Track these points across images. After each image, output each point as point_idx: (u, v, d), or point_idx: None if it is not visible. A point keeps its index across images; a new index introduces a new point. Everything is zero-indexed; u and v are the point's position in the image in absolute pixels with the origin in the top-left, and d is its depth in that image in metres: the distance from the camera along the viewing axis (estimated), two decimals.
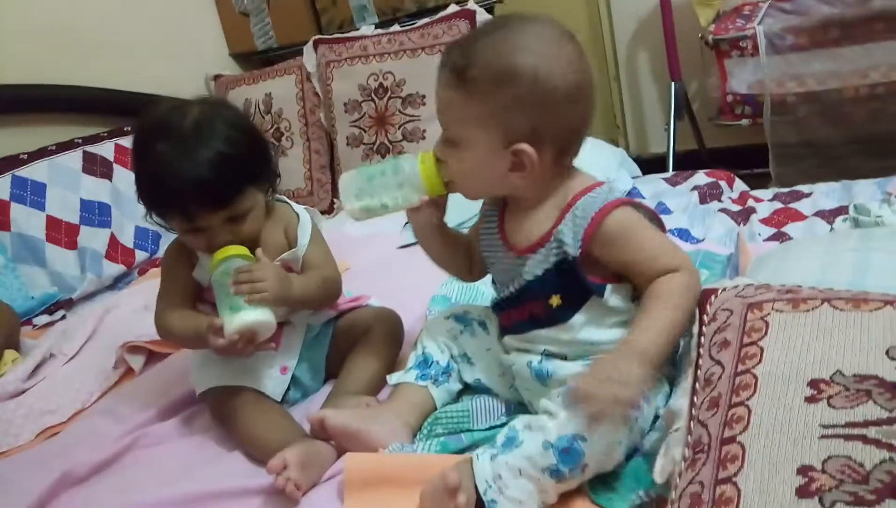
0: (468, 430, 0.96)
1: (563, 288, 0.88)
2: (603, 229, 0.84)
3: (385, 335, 1.15)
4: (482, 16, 2.01)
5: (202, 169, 0.99)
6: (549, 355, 0.91)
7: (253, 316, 0.99)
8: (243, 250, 1.04)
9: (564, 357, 0.90)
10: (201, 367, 1.14)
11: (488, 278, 1.33)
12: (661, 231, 0.90)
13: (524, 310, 0.92)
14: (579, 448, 0.75)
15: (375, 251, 1.70)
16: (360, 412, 0.97)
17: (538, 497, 0.78)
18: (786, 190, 1.58)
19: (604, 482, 0.81)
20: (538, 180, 0.87)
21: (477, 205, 1.02)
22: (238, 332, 0.99)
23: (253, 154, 1.07)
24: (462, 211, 1.09)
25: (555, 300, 0.88)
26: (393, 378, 1.04)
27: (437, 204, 0.96)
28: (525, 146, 0.84)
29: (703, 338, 0.77)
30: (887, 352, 0.62)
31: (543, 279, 0.88)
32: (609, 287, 0.87)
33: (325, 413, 0.95)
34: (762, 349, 0.68)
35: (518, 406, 0.97)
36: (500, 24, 0.88)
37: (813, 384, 0.62)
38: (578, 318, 0.88)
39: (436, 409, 1.00)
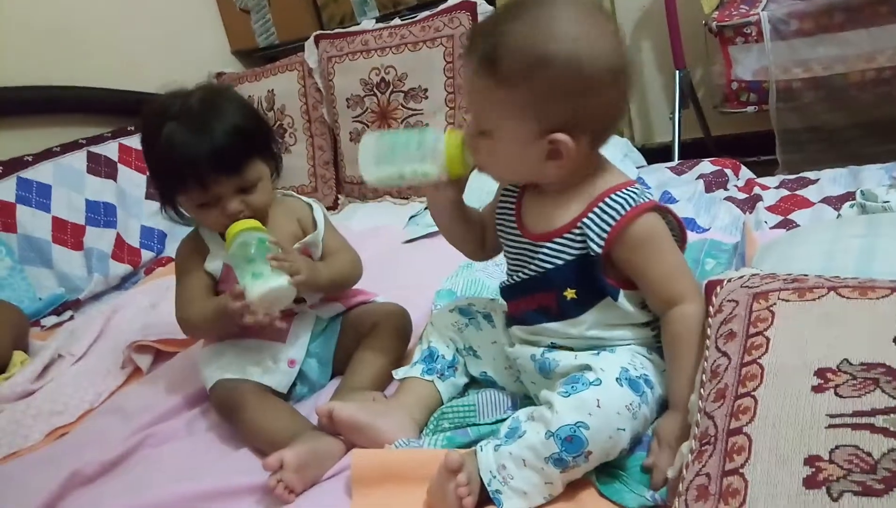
0: (474, 424, 0.95)
1: (580, 283, 0.87)
2: (630, 232, 0.83)
3: (392, 331, 1.15)
4: (483, 7, 2.00)
5: (216, 136, 1.05)
6: (554, 346, 0.91)
7: (276, 281, 1.02)
8: (256, 223, 1.08)
9: (570, 349, 0.90)
10: (209, 362, 1.15)
11: (493, 272, 1.35)
12: (680, 251, 0.88)
13: (534, 300, 0.92)
14: (582, 436, 0.75)
15: (380, 246, 1.70)
16: (368, 405, 0.97)
17: (544, 488, 0.77)
18: (792, 177, 1.57)
19: (611, 473, 0.81)
20: (573, 169, 0.85)
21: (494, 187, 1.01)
22: (261, 297, 1.01)
23: (259, 128, 1.13)
24: (481, 196, 1.08)
25: (569, 294, 0.88)
26: (399, 373, 1.04)
27: (457, 183, 0.94)
28: (562, 136, 0.81)
29: (709, 329, 0.76)
30: (894, 339, 0.62)
31: (561, 270, 0.87)
32: (622, 293, 0.86)
33: (332, 405, 0.94)
34: (768, 340, 0.67)
35: (524, 399, 0.97)
36: (529, 5, 0.82)
37: (820, 373, 0.62)
38: (589, 316, 0.88)
39: (442, 403, 1.00)
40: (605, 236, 0.83)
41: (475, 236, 1.02)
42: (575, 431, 0.75)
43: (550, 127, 0.81)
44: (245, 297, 1.02)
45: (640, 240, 0.83)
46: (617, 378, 0.79)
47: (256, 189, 1.10)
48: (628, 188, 0.86)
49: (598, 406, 0.76)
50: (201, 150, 1.04)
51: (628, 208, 0.83)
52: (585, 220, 0.85)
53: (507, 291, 0.97)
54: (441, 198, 0.97)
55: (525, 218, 0.93)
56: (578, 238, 0.86)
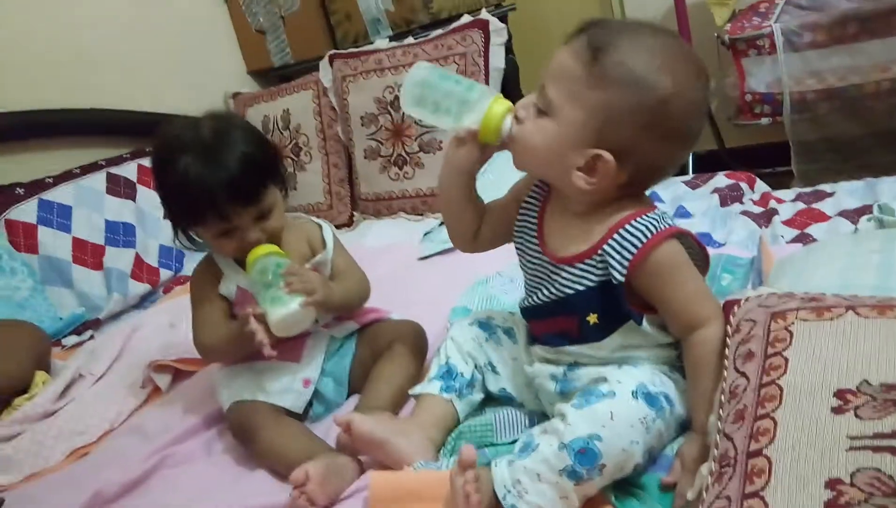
0: (492, 444, 0.95)
1: (602, 308, 0.87)
2: (650, 260, 0.82)
3: (409, 349, 1.15)
4: (495, 25, 2.01)
5: (232, 169, 1.06)
6: (577, 364, 0.91)
7: (296, 305, 1.04)
8: (274, 247, 1.11)
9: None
10: (225, 384, 1.16)
11: (509, 289, 1.34)
12: (701, 275, 0.88)
13: (555, 323, 0.92)
14: (595, 449, 0.75)
15: (395, 263, 1.70)
16: (386, 422, 0.97)
17: (559, 503, 0.77)
18: (808, 190, 1.56)
19: (629, 492, 0.81)
20: (597, 194, 0.85)
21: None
22: (279, 320, 1.04)
23: (268, 154, 1.14)
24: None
25: (592, 318, 0.88)
26: (416, 389, 1.04)
27: (483, 149, 0.92)
28: (608, 155, 0.81)
29: (727, 350, 0.76)
30: None
31: (583, 295, 0.87)
32: (645, 317, 0.86)
33: (352, 416, 0.95)
34: (787, 360, 0.67)
35: (542, 418, 0.97)
36: (653, 31, 0.83)
37: (839, 394, 0.61)
38: (612, 341, 0.88)
39: (459, 422, 1.00)
40: (626, 264, 0.83)
41: (473, 218, 1.01)
42: (588, 443, 0.75)
43: (603, 143, 0.81)
44: (266, 320, 1.04)
45: (660, 269, 0.83)
46: (633, 392, 0.79)
47: (272, 215, 1.12)
48: (648, 215, 0.85)
49: (612, 419, 0.76)
50: (219, 183, 1.05)
51: (649, 235, 0.83)
52: (606, 247, 0.84)
53: (527, 312, 0.97)
54: (460, 155, 0.93)
55: (547, 236, 0.93)
56: (600, 265, 0.85)
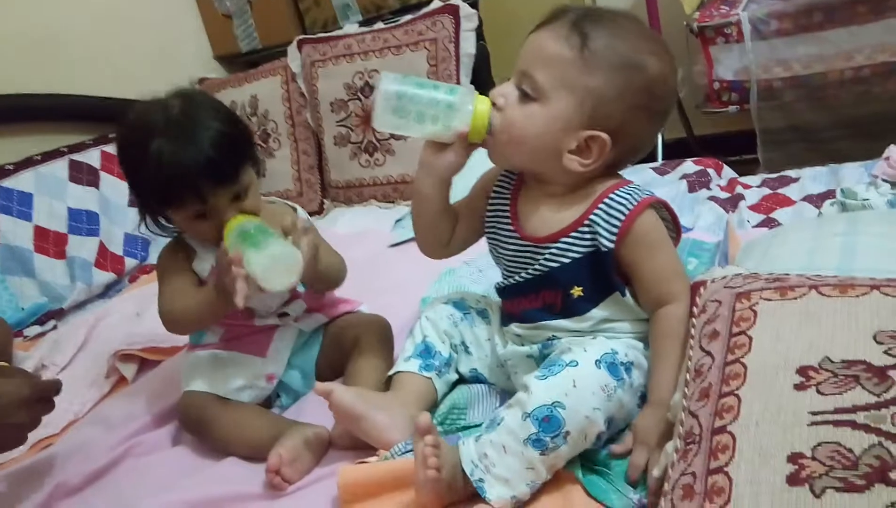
0: (465, 427, 0.95)
1: (588, 280, 0.88)
2: (634, 227, 0.85)
3: (378, 344, 1.13)
4: (466, 10, 2.00)
5: (207, 149, 1.02)
6: (554, 339, 0.91)
7: (279, 246, 0.97)
8: (254, 216, 1.07)
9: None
10: (188, 370, 1.13)
11: (478, 278, 1.34)
12: (674, 249, 0.90)
13: (538, 298, 0.92)
14: (559, 416, 0.76)
15: (366, 250, 1.69)
16: (368, 395, 0.95)
17: (525, 474, 0.78)
18: (774, 176, 1.58)
19: (598, 472, 0.82)
20: (586, 173, 0.87)
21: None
22: (272, 258, 0.95)
23: (241, 132, 1.11)
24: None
25: (576, 292, 0.89)
26: (393, 369, 1.02)
27: (466, 152, 0.90)
28: (605, 136, 0.84)
29: (693, 329, 0.77)
30: (874, 337, 0.62)
31: (568, 268, 0.88)
32: (627, 289, 0.88)
33: (333, 387, 0.93)
34: (751, 339, 0.68)
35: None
36: (625, 16, 0.88)
37: (801, 371, 0.62)
38: (597, 312, 0.89)
39: (437, 400, 0.99)
40: (615, 230, 0.85)
41: (448, 224, 1.00)
42: (551, 411, 0.76)
43: (597, 125, 0.84)
44: (245, 266, 0.95)
45: (642, 237, 0.85)
46: (597, 361, 0.80)
47: (248, 195, 1.09)
48: (629, 186, 0.88)
49: (574, 386, 0.78)
50: (196, 163, 1.01)
51: (634, 203, 0.85)
52: (592, 216, 0.87)
53: (506, 291, 0.97)
54: (448, 161, 0.90)
55: (523, 221, 0.93)
56: (587, 235, 0.87)
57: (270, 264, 0.95)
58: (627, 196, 0.86)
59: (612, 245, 0.85)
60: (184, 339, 1.24)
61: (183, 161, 1.01)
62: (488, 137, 0.88)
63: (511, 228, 0.94)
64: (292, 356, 1.17)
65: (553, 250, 0.89)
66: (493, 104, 0.87)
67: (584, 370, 0.79)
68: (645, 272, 0.87)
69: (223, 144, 1.03)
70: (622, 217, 0.85)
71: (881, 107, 1.98)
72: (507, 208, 0.95)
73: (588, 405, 0.77)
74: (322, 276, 1.10)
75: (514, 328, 0.96)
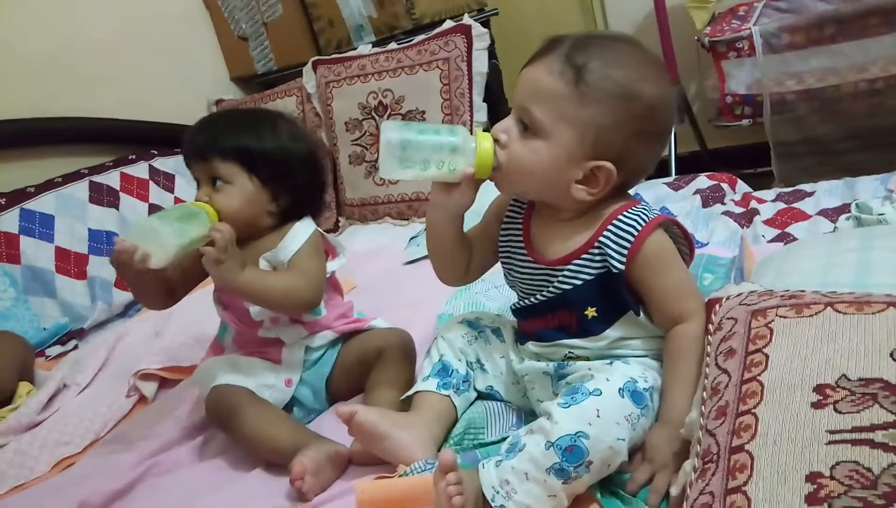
0: (482, 445, 0.96)
1: (601, 301, 0.89)
2: (644, 248, 0.86)
3: (399, 360, 1.13)
4: (478, 30, 2.02)
5: (213, 121, 1.17)
6: (570, 357, 0.92)
7: (166, 229, 1.00)
8: (207, 207, 1.08)
9: (587, 358, 0.91)
10: (207, 371, 1.15)
11: (493, 295, 1.35)
12: (686, 266, 0.91)
13: (553, 318, 0.93)
14: (582, 446, 0.76)
15: (381, 268, 1.71)
16: (390, 415, 0.96)
17: (547, 501, 0.77)
18: (788, 190, 1.58)
19: (613, 491, 0.81)
20: (596, 198, 0.88)
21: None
22: (136, 223, 1.08)
23: (260, 142, 1.12)
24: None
25: (590, 312, 0.89)
26: (412, 389, 1.02)
27: (474, 189, 0.91)
28: (610, 165, 0.85)
29: (709, 347, 0.77)
30: (892, 354, 0.62)
31: (581, 290, 0.89)
32: (642, 308, 0.89)
33: (356, 408, 0.93)
34: (767, 357, 0.68)
35: (530, 416, 0.97)
36: (617, 40, 0.88)
37: (818, 389, 0.62)
38: (612, 332, 0.90)
39: (457, 418, 1.00)
40: (625, 252, 0.86)
41: (464, 254, 1.01)
42: (575, 441, 0.76)
43: (600, 154, 0.85)
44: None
45: (652, 257, 0.86)
46: (620, 389, 0.80)
47: (223, 189, 1.09)
48: (637, 206, 0.89)
49: (598, 416, 0.77)
50: (196, 126, 1.14)
51: (643, 223, 0.86)
52: (602, 239, 0.87)
53: (522, 312, 0.98)
54: (456, 200, 0.92)
55: (536, 245, 0.94)
56: (598, 257, 0.88)
57: (138, 223, 1.08)
58: (636, 218, 0.87)
59: (622, 267, 0.86)
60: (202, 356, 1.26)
61: (203, 127, 1.14)
62: (494, 171, 0.89)
63: (524, 252, 0.95)
64: (303, 371, 1.17)
65: (566, 273, 0.90)
66: (496, 140, 0.88)
67: (608, 400, 0.79)
68: (657, 292, 0.87)
69: (221, 126, 1.14)
70: (631, 239, 0.86)
71: None
72: (520, 232, 0.97)
73: (612, 435, 0.77)
74: (247, 291, 1.07)
75: (531, 346, 0.96)
